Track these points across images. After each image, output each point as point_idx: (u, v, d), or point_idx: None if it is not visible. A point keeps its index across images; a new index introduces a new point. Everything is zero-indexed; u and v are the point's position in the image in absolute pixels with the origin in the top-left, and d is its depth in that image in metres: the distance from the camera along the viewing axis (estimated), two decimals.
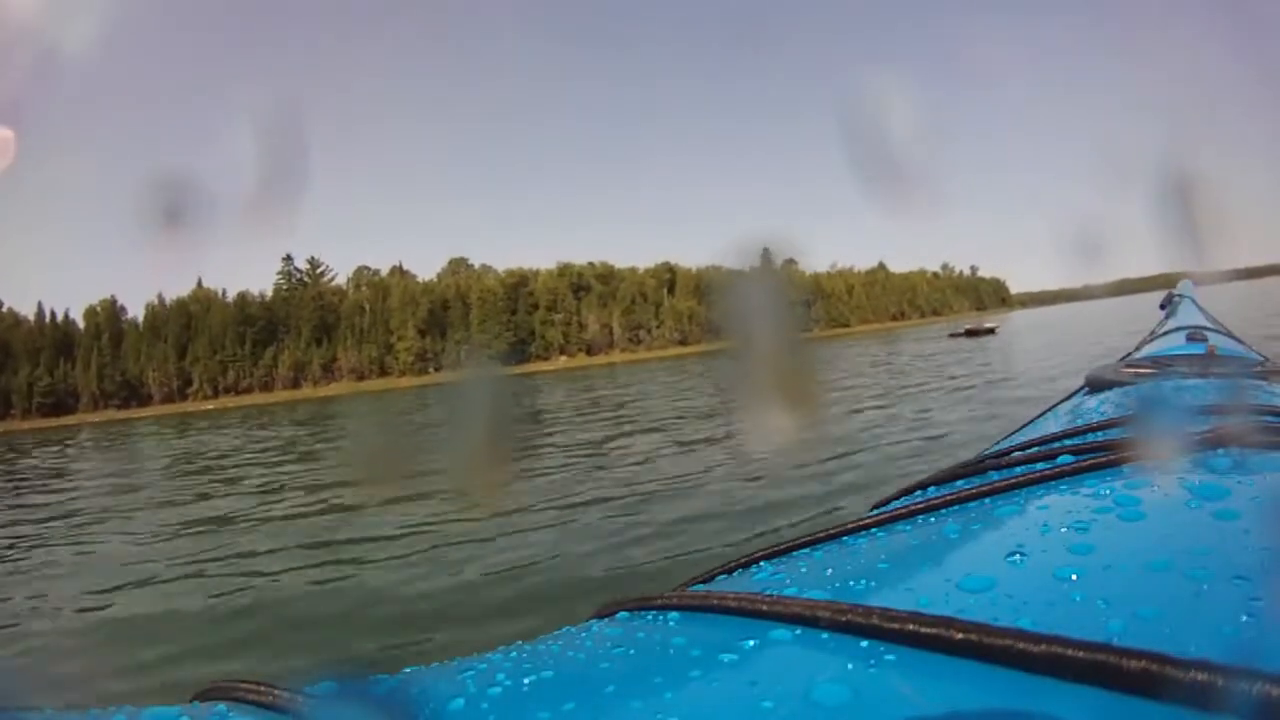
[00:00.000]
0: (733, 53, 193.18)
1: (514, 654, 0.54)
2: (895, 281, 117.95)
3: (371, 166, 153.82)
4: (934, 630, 0.39)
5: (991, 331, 36.20)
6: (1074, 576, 0.44)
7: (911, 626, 0.40)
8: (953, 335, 37.02)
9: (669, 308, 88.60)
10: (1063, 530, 0.52)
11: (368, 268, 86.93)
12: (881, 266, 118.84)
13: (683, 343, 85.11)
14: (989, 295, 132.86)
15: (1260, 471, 0.59)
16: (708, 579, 0.69)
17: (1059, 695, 0.34)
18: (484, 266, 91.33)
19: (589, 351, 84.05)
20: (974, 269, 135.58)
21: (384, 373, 78.46)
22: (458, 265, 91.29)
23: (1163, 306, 2.94)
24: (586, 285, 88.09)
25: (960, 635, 0.38)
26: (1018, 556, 0.49)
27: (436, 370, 76.39)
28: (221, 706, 0.47)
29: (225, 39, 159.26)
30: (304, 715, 0.42)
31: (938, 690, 0.36)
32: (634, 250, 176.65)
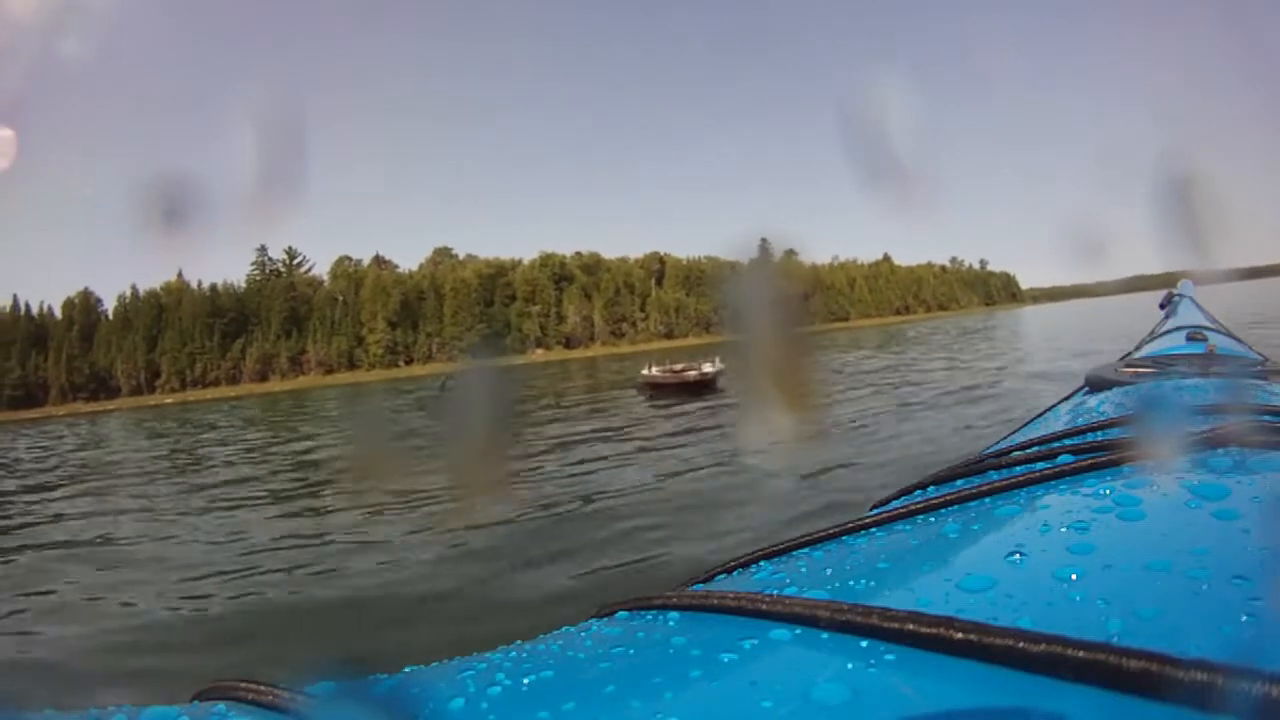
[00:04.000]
0: (735, 49, 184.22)
1: (514, 654, 0.52)
2: (900, 275, 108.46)
3: (365, 158, 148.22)
4: (934, 630, 0.38)
5: (709, 384, 15.66)
6: (1074, 576, 0.42)
7: (911, 626, 0.38)
8: (640, 387, 17.88)
9: (655, 299, 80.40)
10: (1063, 530, 0.50)
11: (349, 258, 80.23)
12: (886, 259, 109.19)
13: (669, 336, 77.07)
14: (999, 290, 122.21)
15: (1260, 471, 0.57)
16: (707, 579, 0.67)
17: (1059, 695, 0.32)
18: (469, 256, 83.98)
19: (568, 345, 76.32)
20: (983, 263, 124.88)
21: (353, 366, 71.61)
22: (441, 255, 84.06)
23: (1162, 306, 2.89)
24: (569, 276, 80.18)
25: (960, 635, 0.37)
26: (1018, 556, 0.47)
27: (406, 364, 69.26)
28: (221, 706, 0.45)
29: (215, 34, 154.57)
30: (304, 715, 0.40)
31: (937, 690, 0.35)
32: (629, 242, 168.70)
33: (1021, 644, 0.34)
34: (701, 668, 0.42)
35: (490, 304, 76.33)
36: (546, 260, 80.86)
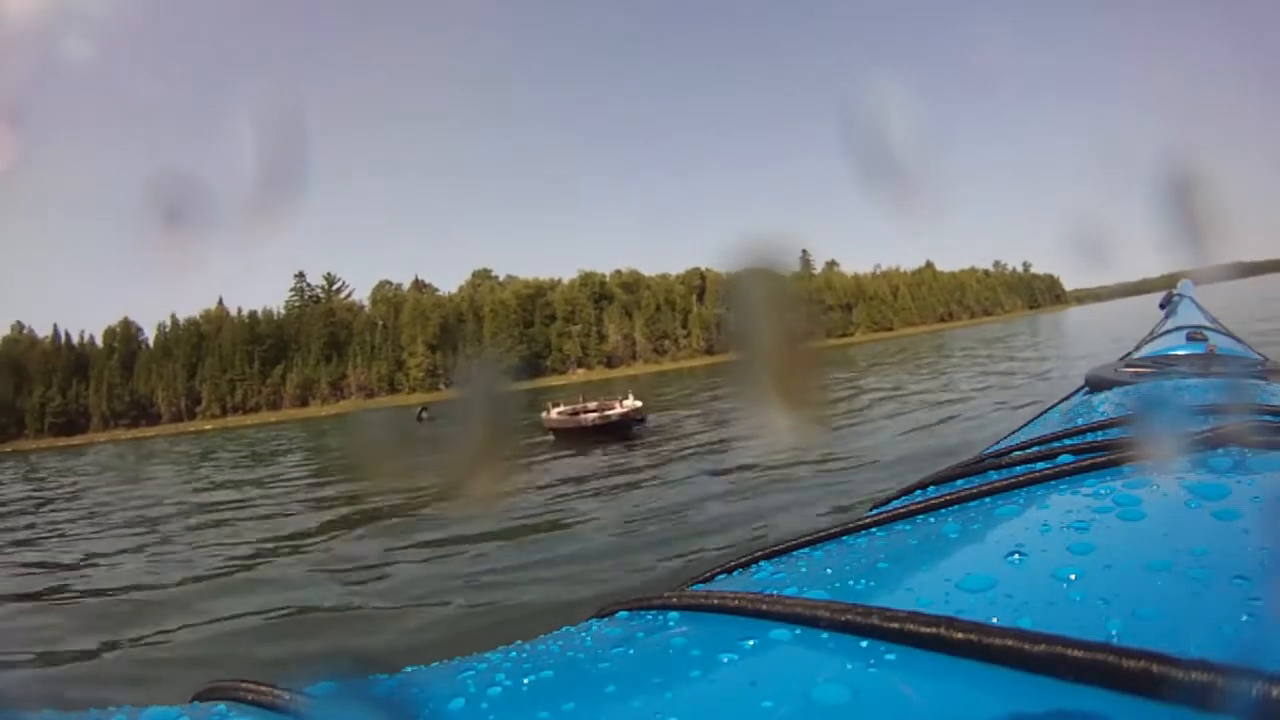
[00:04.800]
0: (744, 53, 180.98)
1: (514, 654, 0.52)
2: (943, 281, 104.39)
3: (401, 179, 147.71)
4: (933, 630, 0.37)
5: (616, 428, 12.40)
6: (1074, 576, 0.42)
7: (911, 626, 0.38)
8: (553, 427, 13.62)
9: (697, 315, 77.74)
10: (1063, 530, 0.50)
11: (389, 282, 78.79)
12: (929, 266, 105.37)
13: (709, 351, 74.33)
14: (1042, 293, 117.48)
15: (1260, 471, 0.56)
16: (708, 579, 0.66)
17: (1059, 695, 0.32)
18: (509, 277, 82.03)
19: (609, 364, 73.90)
20: (1026, 266, 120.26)
21: (394, 390, 69.96)
22: (481, 277, 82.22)
23: (1162, 306, 2.82)
24: (609, 294, 77.81)
25: (960, 635, 0.36)
26: (1017, 556, 0.47)
27: (446, 386, 67.32)
28: (221, 706, 0.45)
29: (249, 43, 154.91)
30: (304, 715, 0.40)
31: (937, 690, 0.35)
32: (672, 258, 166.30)
33: (1021, 644, 0.34)
34: (702, 668, 0.42)
35: (530, 325, 74.24)
36: (586, 279, 78.55)
